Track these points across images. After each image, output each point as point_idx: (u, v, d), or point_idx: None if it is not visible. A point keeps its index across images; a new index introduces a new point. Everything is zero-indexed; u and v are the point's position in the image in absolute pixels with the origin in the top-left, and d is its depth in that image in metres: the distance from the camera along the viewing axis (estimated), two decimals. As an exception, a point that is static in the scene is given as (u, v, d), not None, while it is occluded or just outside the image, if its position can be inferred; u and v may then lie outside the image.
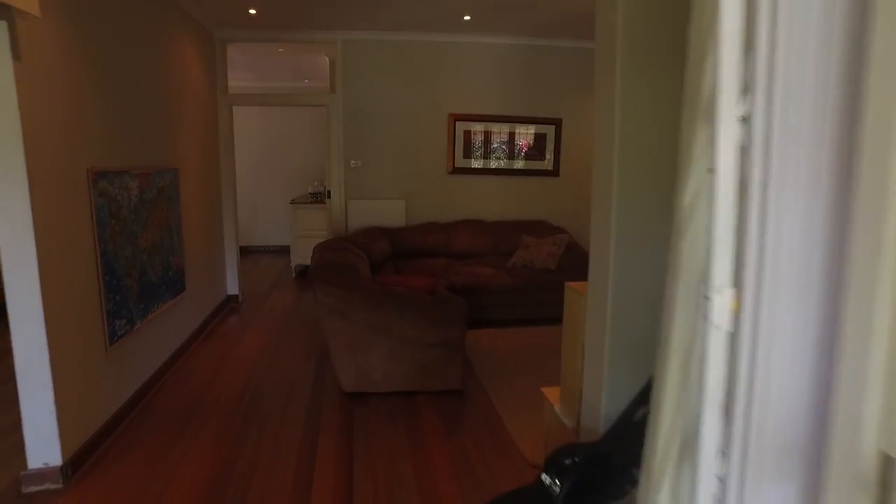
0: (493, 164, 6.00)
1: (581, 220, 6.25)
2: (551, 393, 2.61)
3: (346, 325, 3.42)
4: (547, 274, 5.24)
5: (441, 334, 3.45)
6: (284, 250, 8.59)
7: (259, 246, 8.92)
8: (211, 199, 5.19)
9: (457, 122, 5.83)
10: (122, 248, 3.17)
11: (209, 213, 5.12)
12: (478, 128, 5.89)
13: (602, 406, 1.91)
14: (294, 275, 7.04)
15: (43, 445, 2.52)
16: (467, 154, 5.92)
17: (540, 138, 6.03)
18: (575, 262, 5.28)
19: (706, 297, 0.93)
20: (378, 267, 4.80)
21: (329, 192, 5.81)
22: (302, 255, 6.95)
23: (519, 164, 6.05)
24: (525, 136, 5.99)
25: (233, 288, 5.74)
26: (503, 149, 5.98)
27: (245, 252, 8.63)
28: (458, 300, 3.55)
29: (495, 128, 5.92)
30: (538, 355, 4.21)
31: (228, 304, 5.66)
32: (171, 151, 4.07)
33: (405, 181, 5.86)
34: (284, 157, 8.83)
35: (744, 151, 0.89)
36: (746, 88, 0.88)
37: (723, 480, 0.95)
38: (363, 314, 3.38)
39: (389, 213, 5.79)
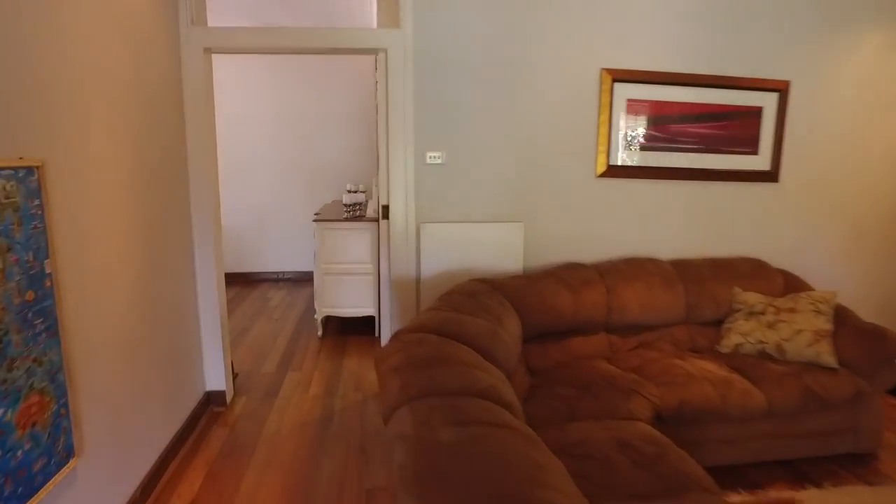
0: (675, 161, 3.41)
1: (813, 257, 3.63)
2: None
3: None
4: (823, 375, 2.66)
5: None
6: (305, 279, 6.10)
7: (270, 273, 6.41)
8: (165, 219, 2.70)
9: (616, 85, 3.26)
10: None
11: (161, 245, 2.62)
12: (651, 95, 3.31)
13: None
14: (320, 332, 4.52)
15: None
16: (631, 142, 3.34)
17: (750, 116, 3.43)
18: (859, 351, 2.70)
19: None
20: (509, 377, 2.25)
21: (386, 206, 3.28)
22: (332, 301, 4.43)
23: (714, 160, 3.45)
24: (724, 110, 3.40)
25: (215, 379, 3.23)
26: (689, 133, 3.40)
27: (249, 282, 6.13)
28: None
29: (679, 96, 3.33)
30: None
31: (206, 411, 3.15)
32: (7, 130, 1.57)
33: (523, 191, 3.30)
34: (309, 145, 6.30)
35: None
36: None
37: None
38: None
39: (495, 246, 3.24)
